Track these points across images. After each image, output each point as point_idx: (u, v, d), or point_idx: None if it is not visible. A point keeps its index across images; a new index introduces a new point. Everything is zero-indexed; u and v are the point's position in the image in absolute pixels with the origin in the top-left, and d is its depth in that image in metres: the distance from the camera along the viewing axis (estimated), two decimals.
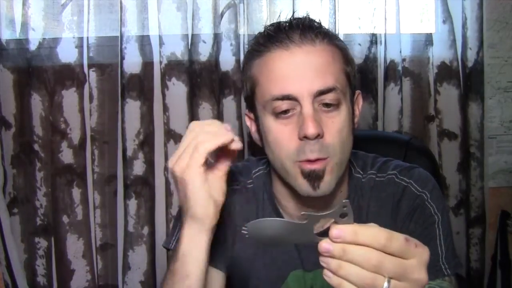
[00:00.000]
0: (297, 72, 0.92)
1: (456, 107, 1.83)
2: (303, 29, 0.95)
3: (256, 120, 1.03)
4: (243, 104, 1.39)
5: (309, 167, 0.94)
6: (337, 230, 0.60)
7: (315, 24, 0.98)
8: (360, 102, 1.07)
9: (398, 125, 1.79)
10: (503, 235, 1.93)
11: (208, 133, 0.87)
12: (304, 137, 0.92)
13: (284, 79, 0.93)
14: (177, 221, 1.09)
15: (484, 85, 1.85)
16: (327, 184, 0.96)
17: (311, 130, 0.90)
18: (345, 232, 0.60)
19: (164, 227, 1.71)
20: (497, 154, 1.97)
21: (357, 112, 1.06)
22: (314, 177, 0.94)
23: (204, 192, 0.88)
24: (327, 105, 0.94)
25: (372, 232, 0.60)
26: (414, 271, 0.61)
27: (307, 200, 1.00)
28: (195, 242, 0.90)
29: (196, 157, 0.86)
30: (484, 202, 1.88)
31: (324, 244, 0.60)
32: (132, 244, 1.72)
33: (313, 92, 0.92)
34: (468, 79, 1.84)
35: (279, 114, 0.95)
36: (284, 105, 0.94)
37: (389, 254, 0.60)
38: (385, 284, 0.60)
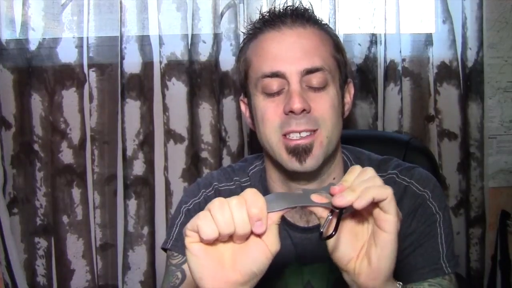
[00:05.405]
0: (287, 52, 0.97)
1: (456, 107, 1.83)
2: (295, 14, 1.00)
3: (249, 104, 1.06)
4: None
5: (294, 143, 0.96)
6: (338, 186, 0.71)
7: (308, 12, 1.02)
8: (351, 90, 1.09)
9: (398, 125, 1.78)
10: (503, 235, 1.93)
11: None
12: (290, 112, 0.95)
13: (274, 58, 0.97)
14: (174, 221, 1.09)
15: (484, 85, 1.85)
16: (315, 159, 0.96)
17: (297, 104, 0.93)
18: (343, 185, 0.71)
19: (164, 227, 1.71)
20: (497, 154, 1.97)
21: (348, 100, 1.08)
22: (300, 151, 0.96)
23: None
24: (314, 88, 0.97)
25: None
26: None
27: (297, 181, 1.01)
28: None
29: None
30: (484, 202, 1.87)
31: (336, 186, 0.71)
32: (132, 244, 1.72)
33: (300, 70, 0.95)
34: (468, 79, 1.84)
35: (269, 95, 0.98)
36: (273, 83, 0.97)
37: None
38: (390, 189, 0.72)
